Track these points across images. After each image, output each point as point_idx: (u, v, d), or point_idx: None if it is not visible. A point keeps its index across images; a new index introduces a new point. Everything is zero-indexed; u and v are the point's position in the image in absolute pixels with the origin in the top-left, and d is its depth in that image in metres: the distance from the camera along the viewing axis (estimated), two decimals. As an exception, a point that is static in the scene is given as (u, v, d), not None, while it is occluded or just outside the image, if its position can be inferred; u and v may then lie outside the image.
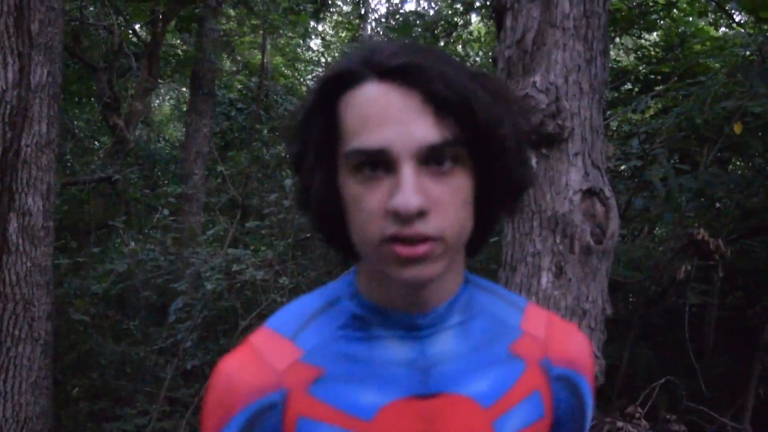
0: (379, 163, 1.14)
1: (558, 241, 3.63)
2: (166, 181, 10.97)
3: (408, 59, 1.14)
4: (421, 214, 1.11)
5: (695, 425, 6.13)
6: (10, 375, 4.97)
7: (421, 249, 1.12)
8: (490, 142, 1.17)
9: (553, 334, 1.40)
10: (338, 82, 1.20)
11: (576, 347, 1.42)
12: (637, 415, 5.26)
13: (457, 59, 1.27)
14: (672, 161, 6.77)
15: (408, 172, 1.11)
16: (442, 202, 1.14)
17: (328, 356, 1.29)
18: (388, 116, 1.13)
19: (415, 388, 1.27)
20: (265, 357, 1.30)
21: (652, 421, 5.46)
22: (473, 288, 1.39)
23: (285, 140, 1.30)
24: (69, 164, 11.24)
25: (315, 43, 18.75)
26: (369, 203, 1.14)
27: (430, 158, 1.13)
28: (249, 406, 1.26)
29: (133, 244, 8.59)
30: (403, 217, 1.10)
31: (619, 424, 5.06)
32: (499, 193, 1.26)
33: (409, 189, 1.10)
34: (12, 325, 4.98)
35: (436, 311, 1.29)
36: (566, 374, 1.39)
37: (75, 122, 13.06)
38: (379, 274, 1.25)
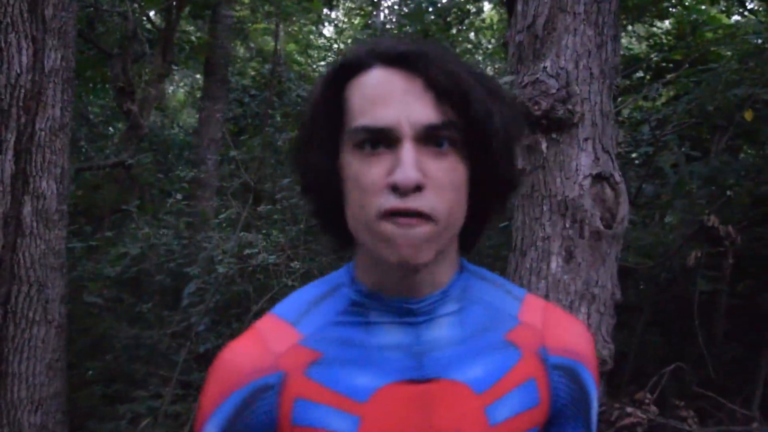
0: (381, 140, 1.21)
1: (568, 225, 3.65)
2: (179, 167, 10.99)
3: (411, 48, 1.24)
4: (417, 188, 1.18)
5: (704, 411, 6.14)
6: (25, 356, 5.00)
7: (414, 232, 1.19)
8: (481, 132, 1.24)
9: (550, 324, 1.43)
10: (346, 70, 1.29)
11: (574, 337, 1.44)
12: (647, 400, 5.28)
13: (457, 55, 1.38)
14: (683, 148, 6.76)
15: (408, 149, 1.19)
16: (438, 180, 1.21)
17: (327, 340, 1.34)
18: (393, 98, 1.22)
19: (410, 372, 1.31)
20: (267, 341, 1.36)
21: (661, 407, 5.48)
22: (470, 277, 1.42)
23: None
24: (83, 150, 11.29)
25: (328, 30, 18.68)
26: (369, 178, 1.21)
27: (429, 138, 1.21)
28: (246, 386, 1.32)
29: (146, 228, 8.61)
30: (401, 190, 1.17)
31: (629, 409, 5.08)
32: (490, 187, 1.32)
33: (409, 164, 1.17)
34: (26, 308, 5.01)
35: (430, 298, 1.33)
36: (564, 363, 1.40)
37: (89, 108, 13.11)
38: (374, 258, 1.30)
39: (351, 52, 1.31)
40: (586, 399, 1.44)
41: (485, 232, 1.45)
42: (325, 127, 1.30)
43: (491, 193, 1.34)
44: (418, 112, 1.20)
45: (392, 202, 1.18)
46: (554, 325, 1.43)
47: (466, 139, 1.24)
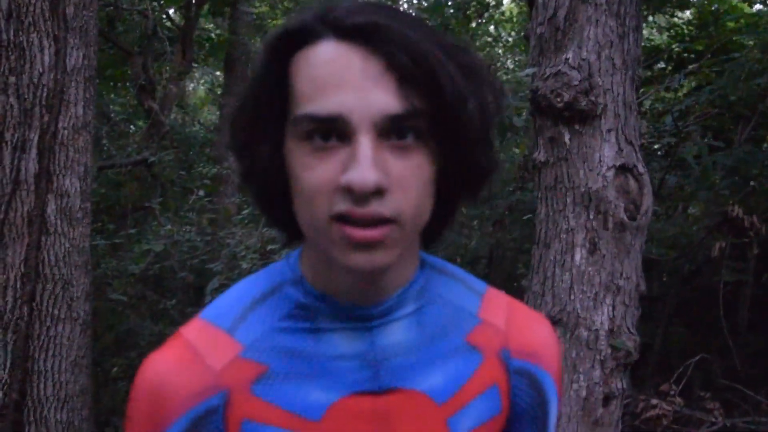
0: (332, 131, 1.01)
1: (591, 217, 3.64)
2: (201, 164, 10.99)
3: (370, 18, 1.02)
4: (378, 192, 0.99)
5: (729, 403, 6.12)
6: (50, 354, 5.02)
7: (375, 232, 1.01)
8: (453, 119, 1.04)
9: (514, 323, 1.30)
10: (291, 40, 1.07)
11: (539, 338, 1.32)
12: (672, 392, 5.27)
13: (430, 25, 1.14)
14: (706, 139, 6.72)
15: (366, 143, 0.99)
16: (402, 180, 1.02)
17: (272, 351, 1.17)
18: (346, 80, 1.00)
19: (366, 383, 1.17)
20: (201, 354, 1.16)
21: (686, 399, 5.47)
22: (429, 272, 1.28)
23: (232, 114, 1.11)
24: (105, 148, 11.30)
25: (347, 26, 18.71)
26: (318, 176, 1.01)
27: (391, 130, 1.01)
28: (186, 414, 1.13)
29: (169, 225, 8.63)
30: (357, 195, 0.98)
31: (654, 401, 5.07)
32: (460, 178, 1.13)
33: (367, 163, 0.97)
34: (51, 305, 5.03)
35: (388, 301, 1.18)
36: (527, 367, 1.29)
37: (111, 106, 13.16)
38: (326, 259, 1.13)
39: (297, 17, 1.08)
40: (544, 406, 1.32)
41: (452, 225, 1.26)
42: (267, 111, 1.10)
43: (463, 185, 1.16)
44: (377, 100, 0.99)
45: (345, 205, 1.00)
46: (518, 325, 1.30)
47: (436, 127, 1.04)
